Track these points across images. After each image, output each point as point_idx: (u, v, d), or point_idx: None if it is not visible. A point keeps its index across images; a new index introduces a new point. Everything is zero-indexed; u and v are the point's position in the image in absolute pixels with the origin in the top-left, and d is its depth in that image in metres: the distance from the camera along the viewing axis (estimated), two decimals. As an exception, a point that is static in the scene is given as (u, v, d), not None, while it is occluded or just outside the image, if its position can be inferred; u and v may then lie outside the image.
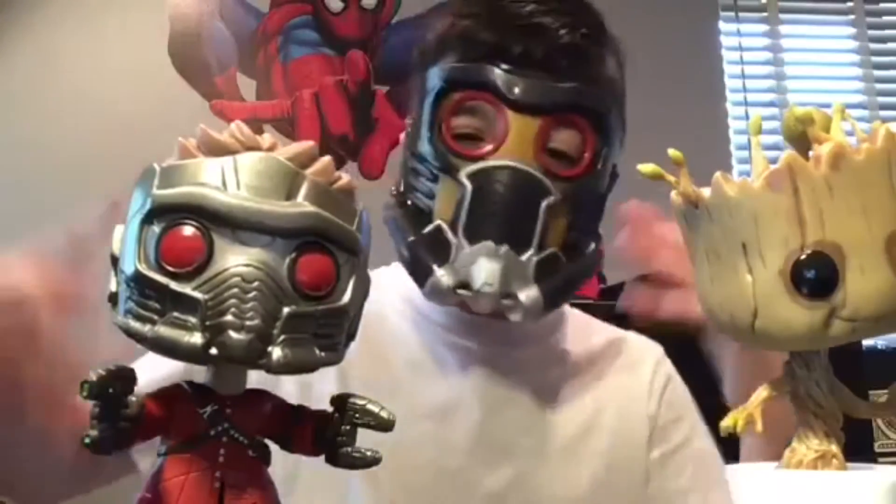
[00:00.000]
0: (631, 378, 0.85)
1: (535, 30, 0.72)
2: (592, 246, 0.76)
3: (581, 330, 0.86)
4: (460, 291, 0.68)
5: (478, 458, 0.76)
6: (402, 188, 0.77)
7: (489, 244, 0.67)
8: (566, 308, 0.86)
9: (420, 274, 0.70)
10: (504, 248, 0.67)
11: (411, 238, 0.71)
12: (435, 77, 0.73)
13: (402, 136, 0.80)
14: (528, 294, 0.67)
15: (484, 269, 0.67)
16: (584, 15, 0.76)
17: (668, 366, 0.88)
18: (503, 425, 0.77)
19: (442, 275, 0.68)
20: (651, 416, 0.83)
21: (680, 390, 0.87)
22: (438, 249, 0.70)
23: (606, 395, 0.83)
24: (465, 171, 0.69)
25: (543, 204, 0.69)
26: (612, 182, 0.78)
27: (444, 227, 0.70)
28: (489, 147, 0.70)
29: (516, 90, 0.70)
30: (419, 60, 0.77)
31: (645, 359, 0.87)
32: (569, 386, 0.82)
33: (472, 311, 0.74)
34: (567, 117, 0.71)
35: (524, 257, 0.68)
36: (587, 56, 0.74)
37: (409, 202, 0.75)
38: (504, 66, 0.70)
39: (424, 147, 0.73)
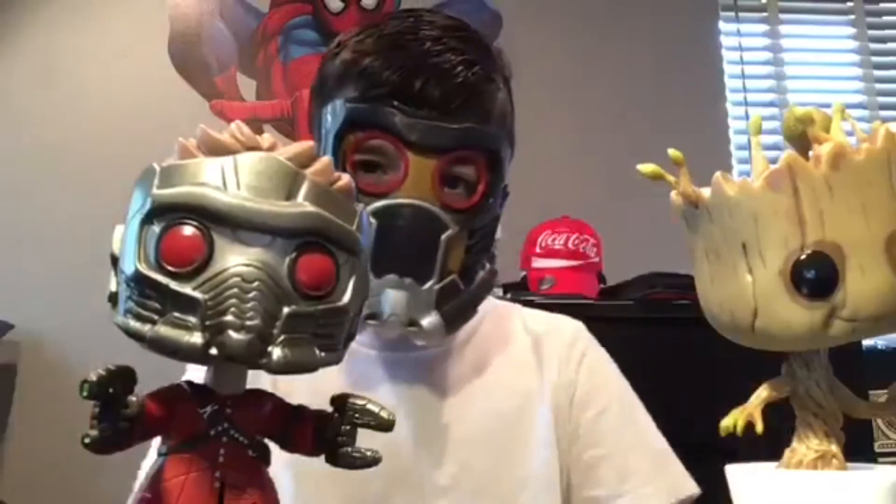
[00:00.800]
0: (551, 352, 0.89)
1: (432, 69, 0.76)
2: (487, 266, 0.82)
3: (503, 317, 0.91)
4: (369, 322, 0.72)
5: (423, 458, 0.80)
6: None
7: (394, 277, 0.72)
8: (490, 301, 0.90)
9: None
10: (408, 281, 0.73)
11: None
12: (338, 113, 0.77)
13: None
14: (429, 321, 0.73)
15: (390, 300, 0.72)
16: (477, 51, 0.80)
17: (586, 337, 0.92)
18: (438, 423, 0.82)
19: None
20: (571, 383, 0.87)
21: (599, 359, 0.91)
22: None
23: (531, 372, 0.87)
24: (369, 208, 0.72)
25: (443, 238, 0.74)
26: (503, 200, 0.84)
27: None
28: (391, 184, 0.75)
29: (415, 134, 0.74)
30: (318, 90, 0.82)
31: (564, 332, 0.91)
32: (496, 372, 0.86)
33: None
34: (462, 155, 0.76)
35: (426, 287, 0.73)
36: (481, 94, 0.78)
37: None
38: (404, 108, 0.75)
39: None
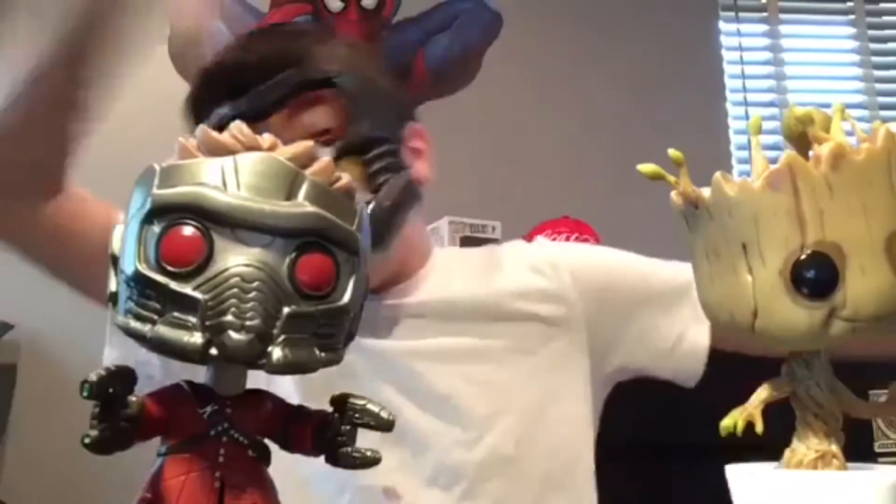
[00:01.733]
0: (520, 278, 0.92)
1: (239, 63, 0.86)
2: (401, 174, 0.83)
3: (448, 272, 0.93)
4: None
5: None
6: None
7: None
8: (441, 253, 0.96)
9: None
10: None
11: None
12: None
13: None
14: None
15: None
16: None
17: (544, 243, 1.01)
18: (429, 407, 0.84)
19: None
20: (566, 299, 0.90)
21: (572, 256, 0.95)
22: None
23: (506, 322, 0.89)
24: None
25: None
26: (400, 132, 0.87)
27: None
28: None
29: (251, 106, 0.80)
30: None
31: (524, 257, 0.94)
32: (473, 338, 0.88)
33: None
34: (305, 100, 0.82)
35: None
36: (282, 56, 0.84)
37: None
38: (233, 98, 0.82)
39: None
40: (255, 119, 0.79)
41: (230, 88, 0.83)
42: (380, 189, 0.81)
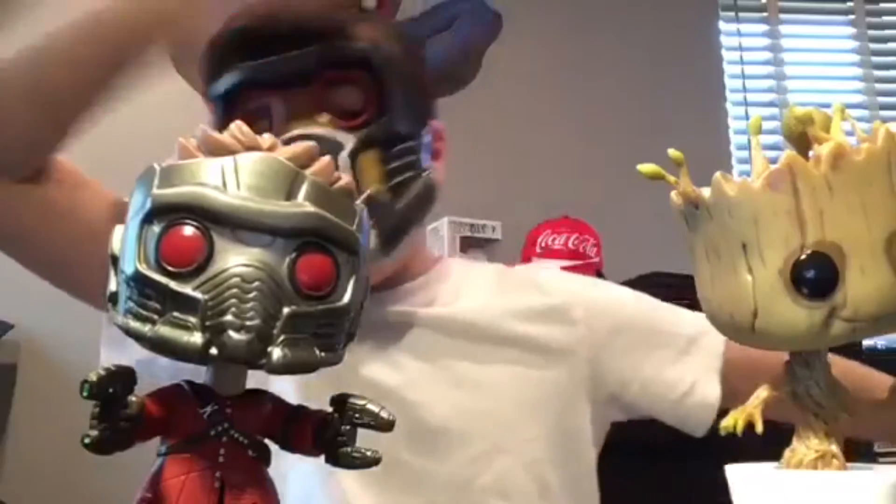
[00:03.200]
0: (533, 300, 0.87)
1: (271, 17, 0.76)
2: (422, 177, 0.78)
3: (465, 277, 0.89)
4: None
5: (416, 445, 0.76)
6: None
7: None
8: (451, 263, 0.91)
9: None
10: None
11: None
12: (214, 110, 0.77)
13: None
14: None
15: None
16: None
17: (561, 275, 0.94)
18: (432, 408, 0.78)
19: None
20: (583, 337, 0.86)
21: (591, 295, 0.90)
22: None
23: (521, 332, 0.84)
24: None
25: (342, 155, 0.71)
26: (424, 129, 0.80)
27: None
28: (280, 130, 0.72)
29: (267, 74, 0.74)
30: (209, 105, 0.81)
31: (536, 279, 0.90)
32: (481, 347, 0.82)
33: None
34: (333, 77, 0.75)
35: None
36: (326, 20, 0.76)
37: None
38: (250, 59, 0.74)
39: None
40: (277, 88, 0.74)
41: (254, 50, 0.75)
42: (397, 188, 0.75)
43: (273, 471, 0.41)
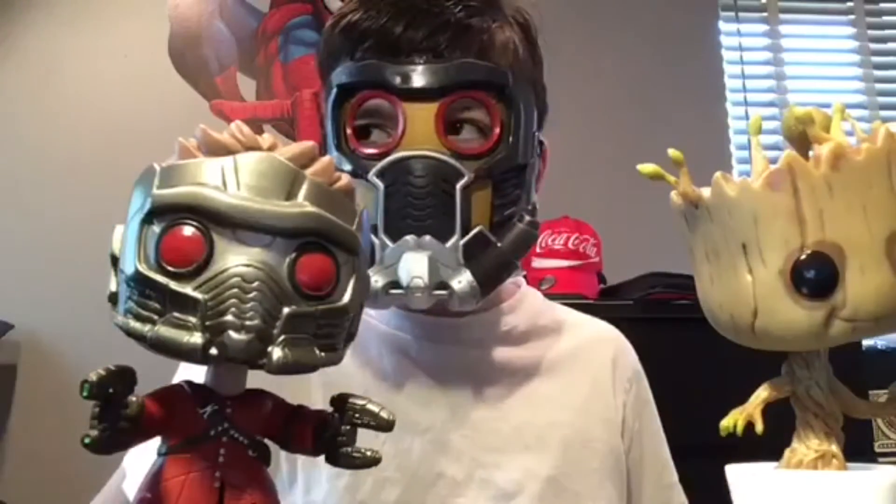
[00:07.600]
0: (595, 362, 0.83)
1: (412, 10, 0.70)
2: (527, 219, 0.72)
3: (540, 312, 0.84)
4: (392, 291, 0.65)
5: (445, 458, 0.73)
6: None
7: (411, 238, 0.65)
8: (524, 288, 0.85)
9: None
10: (427, 239, 0.65)
11: None
12: (330, 84, 0.72)
13: None
14: (459, 280, 0.66)
15: (409, 264, 0.64)
16: None
17: (630, 351, 0.88)
18: (464, 427, 0.75)
19: (372, 279, 0.66)
20: (619, 405, 0.82)
21: (644, 380, 0.88)
22: None
23: (572, 379, 0.81)
24: (374, 170, 0.67)
25: (458, 186, 0.67)
26: (536, 151, 0.76)
27: None
28: (391, 142, 0.68)
29: (404, 81, 0.68)
30: (321, 72, 0.76)
31: (608, 341, 0.86)
32: (535, 376, 0.79)
33: (411, 310, 0.73)
34: (465, 95, 0.69)
35: (449, 244, 0.66)
36: (472, 30, 0.71)
37: None
38: (389, 58, 0.69)
39: (333, 155, 0.71)
40: (401, 94, 0.68)
41: (379, 49, 0.69)
42: (501, 224, 0.70)
43: None
